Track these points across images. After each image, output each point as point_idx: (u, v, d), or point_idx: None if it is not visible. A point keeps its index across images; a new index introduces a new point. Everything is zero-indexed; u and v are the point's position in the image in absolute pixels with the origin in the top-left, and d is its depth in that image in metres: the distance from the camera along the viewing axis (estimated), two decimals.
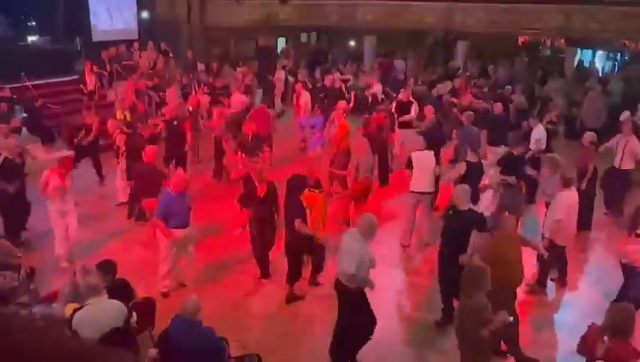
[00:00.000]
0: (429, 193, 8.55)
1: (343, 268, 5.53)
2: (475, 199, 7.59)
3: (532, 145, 10.20)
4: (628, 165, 9.75)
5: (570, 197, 7.10)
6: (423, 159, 8.39)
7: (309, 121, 12.48)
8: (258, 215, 7.44)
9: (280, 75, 17.93)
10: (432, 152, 8.63)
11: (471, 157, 8.55)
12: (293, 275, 7.11)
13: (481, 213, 6.60)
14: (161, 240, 7.06)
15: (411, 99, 13.09)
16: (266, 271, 7.62)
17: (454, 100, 14.08)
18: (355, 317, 5.66)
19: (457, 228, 6.22)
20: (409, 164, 8.41)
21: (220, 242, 8.62)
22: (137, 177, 8.63)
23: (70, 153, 9.57)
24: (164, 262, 7.11)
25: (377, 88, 15.25)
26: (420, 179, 8.36)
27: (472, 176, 8.19)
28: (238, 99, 13.28)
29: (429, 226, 8.51)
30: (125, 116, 11.61)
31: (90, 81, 14.92)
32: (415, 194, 8.43)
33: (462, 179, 8.01)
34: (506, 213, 7.22)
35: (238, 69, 17.56)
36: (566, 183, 7.14)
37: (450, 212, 6.43)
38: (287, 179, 7.09)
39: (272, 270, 7.66)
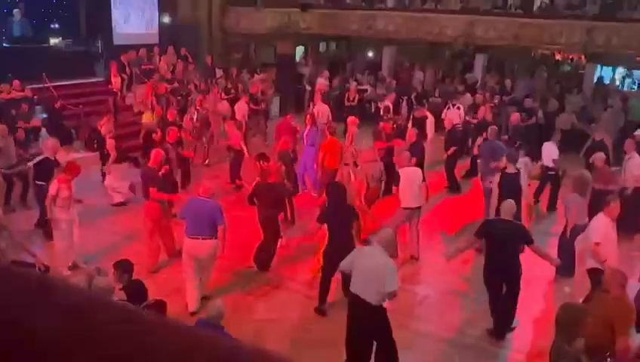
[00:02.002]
0: (419, 208, 8.52)
1: (381, 287, 5.30)
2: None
3: (546, 163, 10.34)
4: (632, 183, 9.41)
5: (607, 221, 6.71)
6: (410, 175, 8.42)
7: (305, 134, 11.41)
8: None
9: (322, 83, 17.50)
10: (419, 168, 8.79)
11: (509, 168, 8.51)
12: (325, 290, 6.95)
13: (524, 226, 6.69)
14: (184, 254, 6.85)
15: (426, 113, 13.13)
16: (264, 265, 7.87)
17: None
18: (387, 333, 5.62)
19: (506, 238, 6.37)
20: (397, 181, 8.42)
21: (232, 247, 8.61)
22: (143, 180, 8.60)
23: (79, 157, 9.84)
24: (187, 281, 6.84)
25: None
26: (409, 195, 8.35)
27: (511, 187, 8.13)
28: (242, 107, 13.34)
29: (417, 242, 8.57)
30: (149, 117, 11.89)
31: (116, 82, 15.05)
32: (406, 210, 8.39)
33: (500, 190, 8.11)
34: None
35: (256, 75, 17.65)
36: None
37: (493, 224, 6.56)
38: (328, 188, 7.06)
39: (283, 276, 7.74)
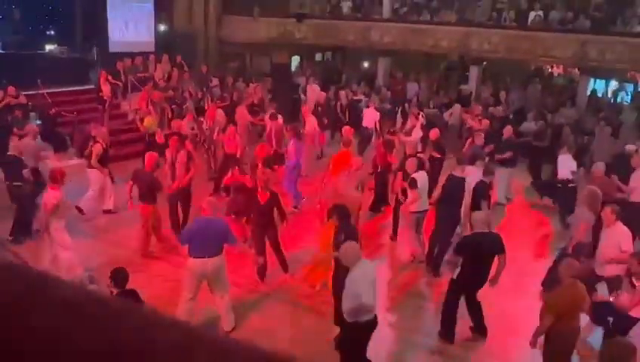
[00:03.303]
0: (426, 211, 8.60)
1: (368, 300, 5.28)
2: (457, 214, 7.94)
3: (564, 175, 10.23)
4: (635, 197, 9.13)
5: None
6: (422, 179, 8.49)
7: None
8: (258, 222, 7.59)
9: (313, 89, 17.64)
10: (425, 172, 8.85)
11: (457, 171, 8.52)
12: None
13: (498, 234, 6.61)
14: (188, 273, 6.48)
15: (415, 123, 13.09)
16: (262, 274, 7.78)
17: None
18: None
19: (490, 250, 6.32)
20: (414, 185, 8.35)
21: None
22: (135, 181, 8.63)
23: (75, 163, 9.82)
24: (184, 294, 6.50)
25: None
26: (421, 199, 8.45)
27: (452, 191, 8.25)
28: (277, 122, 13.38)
29: (422, 244, 8.70)
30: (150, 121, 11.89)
31: (105, 90, 15.00)
32: (416, 214, 8.49)
33: (442, 193, 8.30)
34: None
35: (251, 84, 17.67)
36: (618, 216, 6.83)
37: (478, 237, 6.46)
38: (338, 210, 6.93)
39: (283, 288, 7.71)
